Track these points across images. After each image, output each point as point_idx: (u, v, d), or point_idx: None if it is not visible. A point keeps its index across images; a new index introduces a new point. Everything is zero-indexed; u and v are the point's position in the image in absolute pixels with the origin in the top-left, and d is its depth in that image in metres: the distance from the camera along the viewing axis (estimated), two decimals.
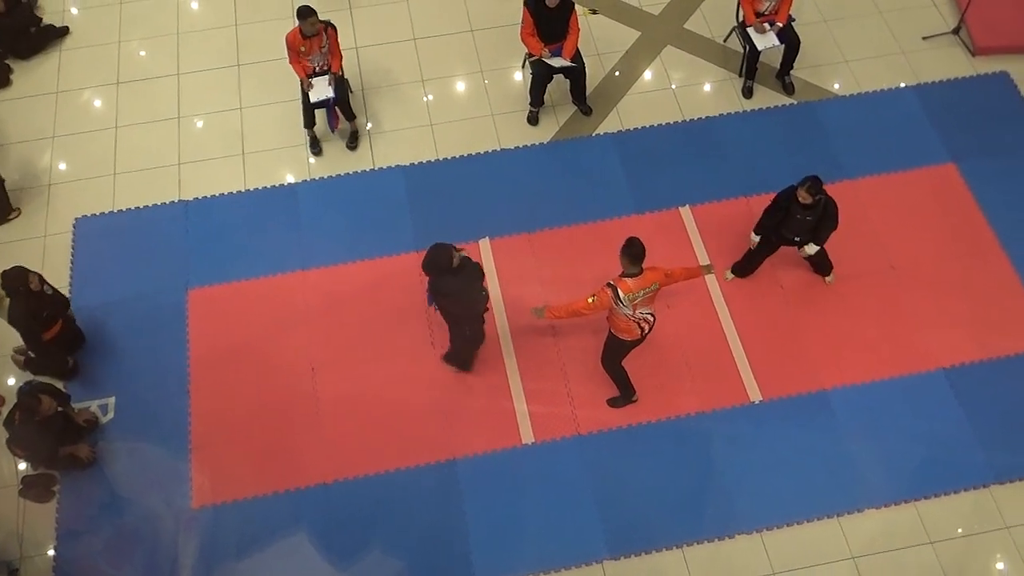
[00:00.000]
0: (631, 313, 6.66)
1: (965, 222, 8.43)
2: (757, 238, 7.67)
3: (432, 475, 7.26)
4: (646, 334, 6.95)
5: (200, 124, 9.18)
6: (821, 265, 7.95)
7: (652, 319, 6.90)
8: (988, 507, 7.11)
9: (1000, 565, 6.90)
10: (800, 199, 7.15)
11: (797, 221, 7.35)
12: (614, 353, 7.19)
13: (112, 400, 7.60)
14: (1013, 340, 7.80)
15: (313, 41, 8.33)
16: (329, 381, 7.67)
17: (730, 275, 8.12)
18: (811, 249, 7.49)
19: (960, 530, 7.02)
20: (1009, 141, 8.91)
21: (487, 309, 7.26)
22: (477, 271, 6.98)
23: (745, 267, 8.03)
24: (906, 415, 7.46)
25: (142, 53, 9.71)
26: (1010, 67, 9.44)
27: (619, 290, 6.51)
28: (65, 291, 8.05)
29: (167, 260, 8.28)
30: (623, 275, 6.57)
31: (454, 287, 6.72)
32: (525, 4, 8.47)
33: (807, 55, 9.38)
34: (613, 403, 7.50)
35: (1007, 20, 9.63)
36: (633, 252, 6.45)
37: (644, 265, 6.54)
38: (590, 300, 6.67)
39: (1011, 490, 7.17)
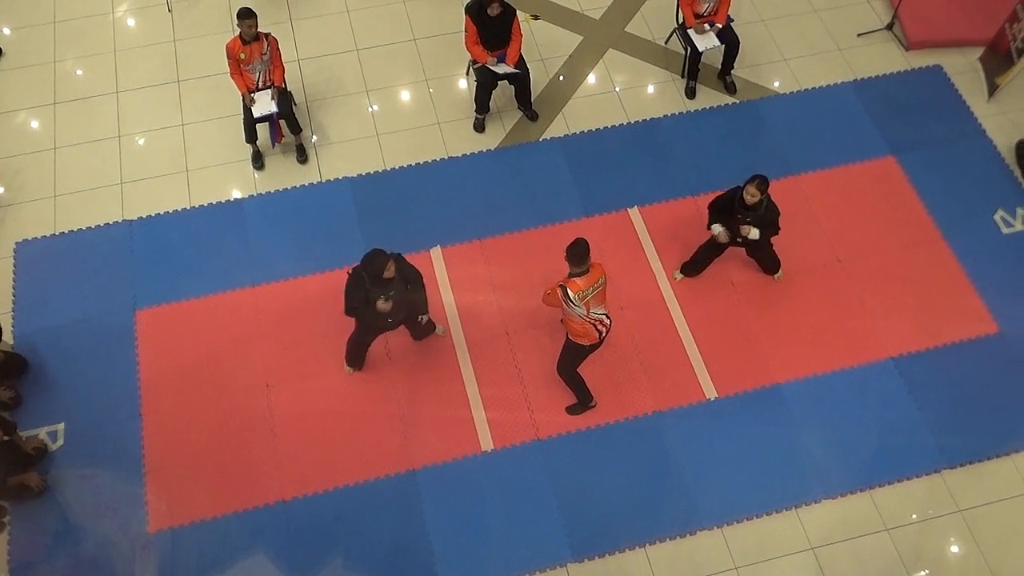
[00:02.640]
0: (585, 313, 6.68)
1: (907, 213, 8.62)
2: (720, 229, 7.55)
3: (392, 487, 7.21)
4: (603, 337, 6.97)
5: (141, 142, 9.03)
6: (768, 263, 8.05)
7: (608, 321, 6.91)
8: (940, 492, 7.26)
9: (954, 548, 7.05)
10: (747, 195, 7.20)
11: (739, 221, 7.42)
12: (571, 359, 7.20)
13: (61, 426, 7.44)
14: (957, 327, 7.98)
15: (254, 47, 8.24)
16: (284, 397, 7.59)
17: (679, 275, 8.18)
18: (754, 233, 7.40)
19: (914, 515, 7.16)
20: (945, 132, 9.14)
21: (383, 329, 7.21)
22: (402, 287, 6.81)
23: (693, 267, 8.10)
24: (857, 405, 7.60)
25: (79, 72, 9.53)
26: (943, 60, 9.68)
27: (568, 290, 6.55)
28: (8, 318, 7.88)
29: (113, 281, 8.13)
30: (570, 275, 6.61)
31: (354, 292, 6.72)
32: (467, 12, 8.49)
33: (747, 55, 9.52)
34: (572, 411, 7.52)
35: (939, 15, 9.87)
36: (578, 251, 6.50)
37: (590, 261, 6.60)
38: (545, 294, 6.79)
39: (962, 474, 7.33)
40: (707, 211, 7.64)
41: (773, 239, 7.69)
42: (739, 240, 7.55)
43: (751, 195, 7.17)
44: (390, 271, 6.61)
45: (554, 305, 6.80)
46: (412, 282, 6.97)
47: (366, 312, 6.87)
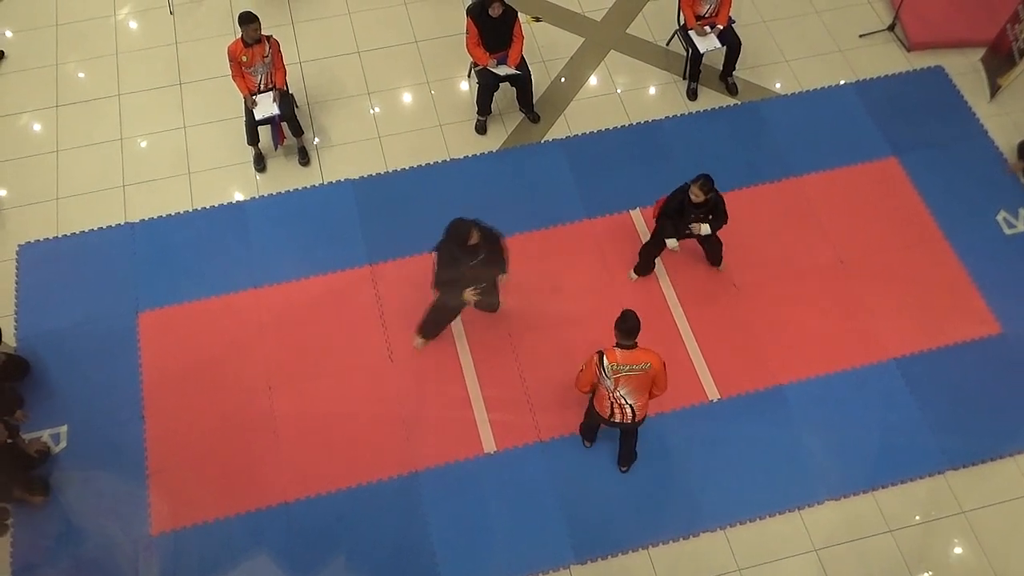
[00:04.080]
0: (611, 387, 6.41)
1: (909, 214, 8.61)
2: (675, 243, 7.70)
3: (394, 488, 7.21)
4: (614, 421, 6.67)
5: (144, 144, 9.04)
6: (715, 255, 8.07)
7: (631, 413, 6.56)
8: (943, 493, 7.25)
9: (958, 550, 7.04)
10: (692, 196, 7.27)
11: (691, 219, 7.46)
12: (588, 412, 7.00)
13: (64, 429, 7.44)
14: (960, 328, 7.97)
15: (255, 50, 8.25)
16: (286, 399, 7.59)
17: (633, 276, 8.17)
18: (705, 229, 7.49)
19: (917, 517, 7.15)
20: (947, 133, 9.14)
21: (465, 304, 7.36)
22: (485, 260, 7.03)
23: (645, 268, 8.11)
24: (860, 406, 7.59)
25: (81, 75, 9.55)
26: (944, 61, 9.68)
27: (605, 357, 6.31)
28: (10, 320, 7.88)
29: (115, 284, 8.14)
30: (615, 345, 6.34)
31: (445, 264, 6.90)
32: (469, 14, 8.49)
33: (748, 56, 9.52)
34: (581, 429, 7.41)
35: (940, 16, 9.86)
36: (626, 326, 6.24)
37: (641, 344, 6.33)
38: (579, 372, 6.59)
39: (965, 475, 7.32)
40: (655, 218, 7.67)
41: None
42: (686, 233, 7.61)
43: (696, 195, 7.23)
44: (474, 237, 6.76)
45: (587, 380, 6.51)
46: (493, 243, 7.12)
47: (456, 284, 7.04)
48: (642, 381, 6.42)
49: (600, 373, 6.39)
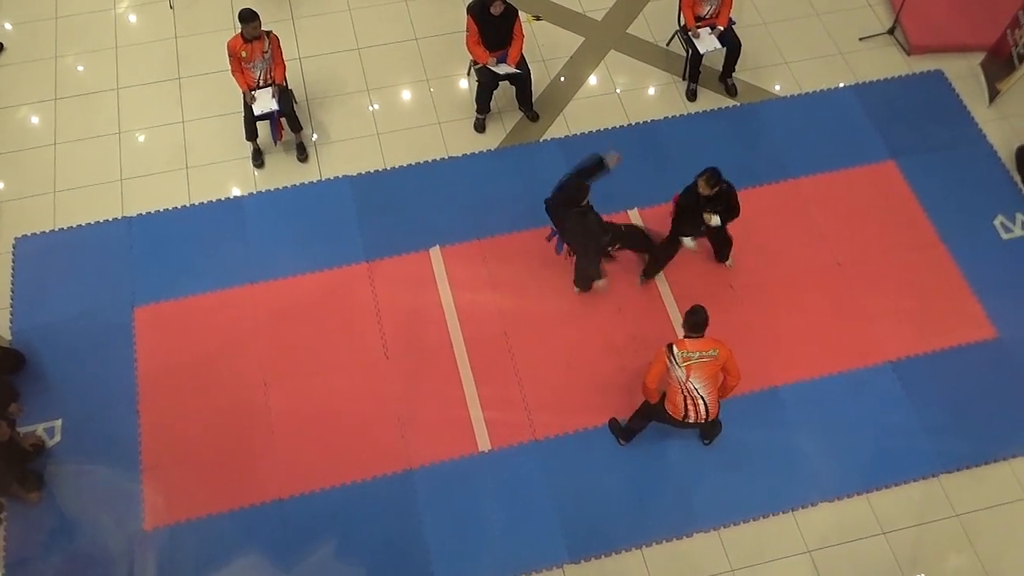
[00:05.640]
0: (683, 378, 6.51)
1: (906, 217, 8.61)
2: (692, 242, 7.73)
3: (389, 486, 7.21)
4: (688, 421, 6.72)
5: (142, 139, 9.03)
6: (722, 249, 8.10)
7: (704, 409, 6.63)
8: (937, 496, 7.26)
9: (951, 553, 7.04)
10: (700, 190, 7.30)
11: (703, 211, 7.48)
12: (650, 410, 6.99)
13: (59, 423, 7.43)
14: (956, 332, 7.98)
15: (255, 45, 8.25)
16: (282, 395, 7.59)
17: (643, 279, 8.19)
18: (715, 220, 7.49)
19: (911, 520, 7.16)
20: (945, 137, 9.14)
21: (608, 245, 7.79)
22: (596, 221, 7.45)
23: (654, 270, 8.13)
24: (855, 409, 7.59)
25: (80, 68, 9.53)
26: (944, 65, 9.68)
27: (675, 347, 6.50)
28: (6, 313, 7.87)
29: (112, 278, 8.13)
30: (683, 337, 6.57)
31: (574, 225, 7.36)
32: (469, 12, 8.49)
33: (748, 58, 9.52)
34: (610, 425, 7.45)
35: (940, 20, 9.87)
36: (695, 319, 6.46)
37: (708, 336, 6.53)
38: (649, 367, 6.69)
39: (959, 478, 7.33)
40: (673, 212, 7.71)
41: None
42: (703, 228, 7.62)
43: (703, 189, 7.28)
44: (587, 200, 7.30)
45: (657, 374, 6.61)
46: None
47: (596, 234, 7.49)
48: (712, 369, 6.54)
49: (671, 363, 6.50)
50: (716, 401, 6.70)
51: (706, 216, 7.44)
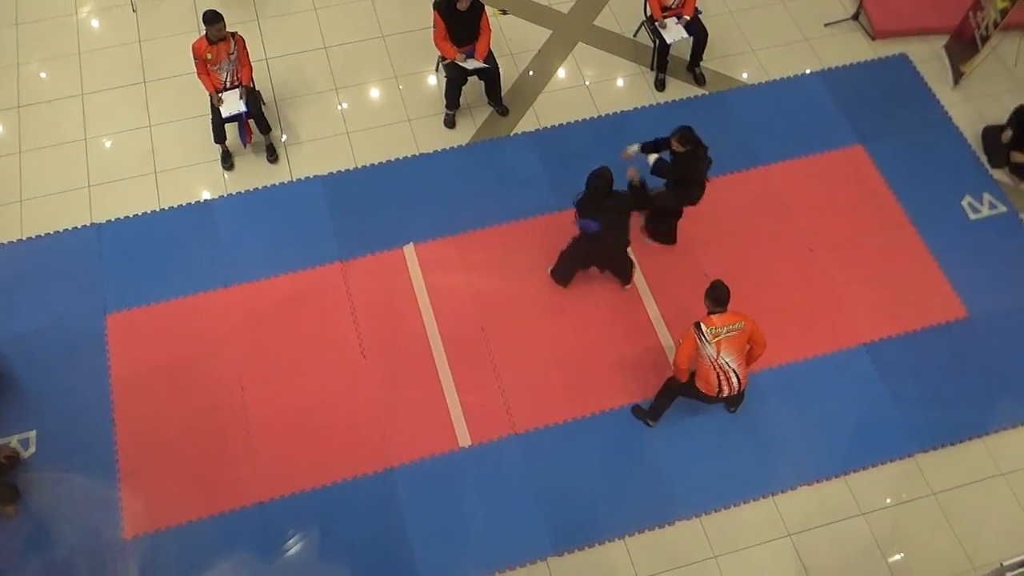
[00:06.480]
0: (715, 355, 6.59)
1: (876, 201, 8.69)
2: (636, 148, 7.87)
3: (370, 486, 7.19)
4: (723, 395, 6.80)
5: (109, 144, 8.94)
6: (661, 230, 8.28)
7: (736, 382, 6.72)
8: (914, 475, 7.33)
9: (929, 530, 7.12)
10: (672, 147, 7.50)
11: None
12: (680, 387, 7.05)
13: (33, 434, 7.35)
14: (928, 312, 8.06)
15: (220, 47, 8.18)
16: (259, 398, 7.55)
17: (646, 239, 8.33)
18: (633, 149, 7.79)
19: (889, 499, 7.23)
20: (912, 120, 9.23)
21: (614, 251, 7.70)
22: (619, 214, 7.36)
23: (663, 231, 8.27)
24: (831, 392, 7.66)
25: (43, 75, 9.42)
26: (908, 49, 9.78)
27: (703, 325, 6.57)
28: None
29: (82, 286, 8.04)
30: (708, 313, 6.65)
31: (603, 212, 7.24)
32: (435, 8, 8.46)
33: (715, 46, 9.57)
34: (634, 411, 7.48)
35: (903, 4, 9.96)
36: (717, 294, 6.58)
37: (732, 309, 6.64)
38: (678, 346, 6.77)
39: (934, 457, 7.41)
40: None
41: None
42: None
43: (675, 146, 7.50)
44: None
45: (688, 353, 6.69)
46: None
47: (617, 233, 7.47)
48: (740, 341, 6.65)
49: (701, 341, 6.59)
50: (745, 373, 6.80)
51: (630, 148, 7.74)
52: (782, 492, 7.23)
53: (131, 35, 9.73)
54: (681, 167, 7.60)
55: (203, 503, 7.09)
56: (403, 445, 7.35)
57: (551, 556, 6.96)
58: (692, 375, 6.88)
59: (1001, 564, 5.58)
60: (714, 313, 6.62)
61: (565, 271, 7.97)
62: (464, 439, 7.39)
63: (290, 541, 6.96)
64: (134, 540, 6.94)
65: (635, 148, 7.80)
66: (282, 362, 7.71)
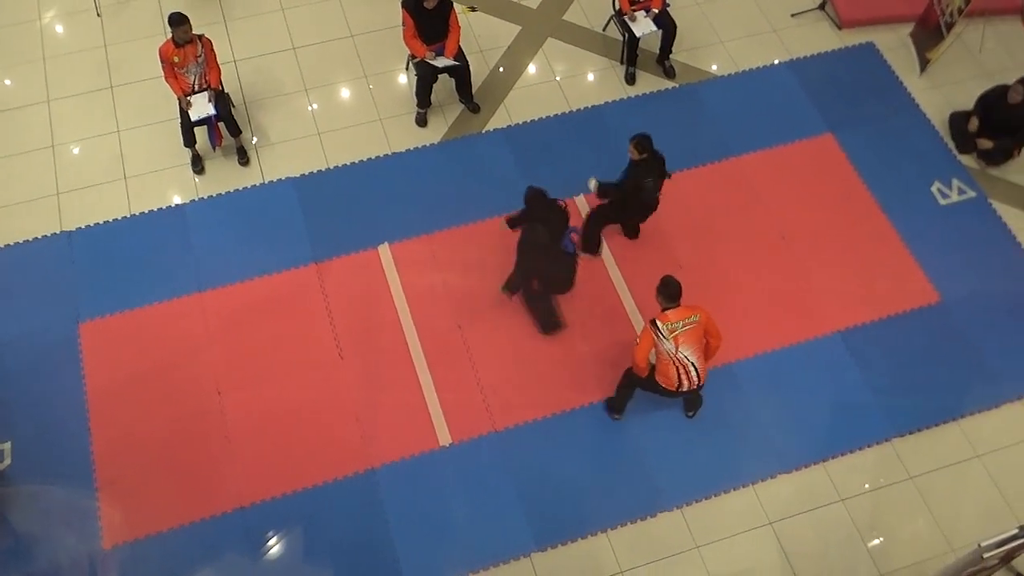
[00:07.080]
0: (673, 349, 6.62)
1: (846, 189, 8.77)
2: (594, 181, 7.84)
3: (352, 487, 7.16)
4: (682, 390, 6.83)
5: (76, 151, 8.84)
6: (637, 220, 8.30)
7: (695, 374, 6.74)
8: (891, 460, 7.41)
9: (907, 514, 7.20)
10: (630, 154, 7.53)
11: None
12: (636, 381, 7.08)
13: (8, 445, 7.25)
14: (900, 298, 8.15)
15: (187, 50, 8.10)
16: (237, 402, 7.50)
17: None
18: (593, 184, 7.75)
19: (867, 485, 7.30)
20: (880, 108, 9.32)
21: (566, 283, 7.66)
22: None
23: (594, 242, 8.26)
24: (807, 380, 7.72)
25: (7, 82, 9.29)
26: (875, 38, 9.86)
27: (658, 321, 6.61)
28: None
29: (54, 295, 7.94)
30: (663, 309, 6.69)
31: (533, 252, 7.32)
32: (404, 6, 8.44)
33: (684, 39, 9.60)
34: (606, 404, 7.51)
35: None
36: (669, 291, 6.64)
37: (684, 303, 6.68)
38: (636, 342, 6.79)
39: (910, 441, 7.49)
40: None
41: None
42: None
43: (632, 153, 7.51)
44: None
45: (646, 350, 6.71)
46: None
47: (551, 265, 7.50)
48: (698, 334, 6.69)
49: (659, 338, 6.62)
50: (704, 366, 6.83)
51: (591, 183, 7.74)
52: (762, 481, 7.29)
53: (96, 39, 9.61)
54: (633, 178, 7.61)
55: (183, 510, 7.04)
56: (383, 445, 7.33)
57: (535, 552, 6.97)
58: (652, 370, 6.91)
59: (979, 545, 5.64)
60: (668, 309, 6.66)
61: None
62: (444, 438, 7.39)
63: (272, 545, 6.92)
64: (114, 550, 6.87)
65: (594, 184, 7.77)
66: (259, 365, 7.66)
